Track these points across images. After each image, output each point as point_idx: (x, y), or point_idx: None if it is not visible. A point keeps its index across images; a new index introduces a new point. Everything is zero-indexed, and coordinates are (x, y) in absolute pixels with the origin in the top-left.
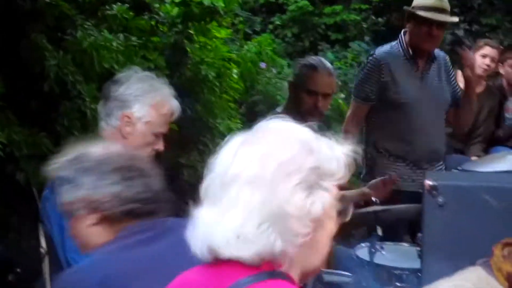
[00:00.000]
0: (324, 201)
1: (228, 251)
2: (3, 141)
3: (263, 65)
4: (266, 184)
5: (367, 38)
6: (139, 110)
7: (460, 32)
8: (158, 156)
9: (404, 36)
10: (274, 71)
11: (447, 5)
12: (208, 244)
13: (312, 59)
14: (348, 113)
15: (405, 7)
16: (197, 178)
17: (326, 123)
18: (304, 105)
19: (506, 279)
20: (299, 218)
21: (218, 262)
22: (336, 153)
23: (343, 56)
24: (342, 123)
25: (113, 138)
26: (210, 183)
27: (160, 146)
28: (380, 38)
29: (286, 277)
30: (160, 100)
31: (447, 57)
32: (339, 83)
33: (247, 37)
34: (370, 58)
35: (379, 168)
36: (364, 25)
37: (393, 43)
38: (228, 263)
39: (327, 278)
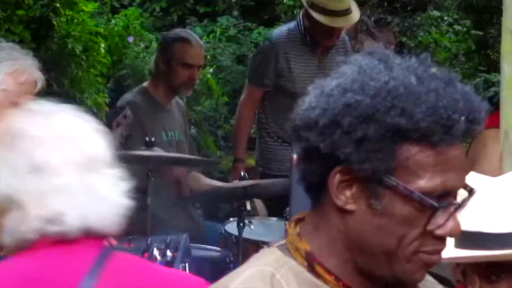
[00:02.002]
0: None
1: (101, 223)
2: None
3: (130, 39)
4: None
5: (235, 13)
6: None
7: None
8: None
9: (302, 19)
10: (142, 45)
11: (347, 4)
12: (84, 215)
13: (181, 32)
14: (243, 96)
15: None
16: None
17: (195, 97)
18: (179, 78)
19: (305, 259)
20: None
21: (60, 242)
22: None
23: (211, 30)
24: (210, 97)
25: None
26: None
27: None
28: (249, 13)
29: None
30: (18, 69)
31: (347, 40)
32: (208, 57)
33: (114, 11)
34: (266, 43)
35: (270, 151)
36: None
37: (291, 25)
38: (75, 242)
39: (195, 252)
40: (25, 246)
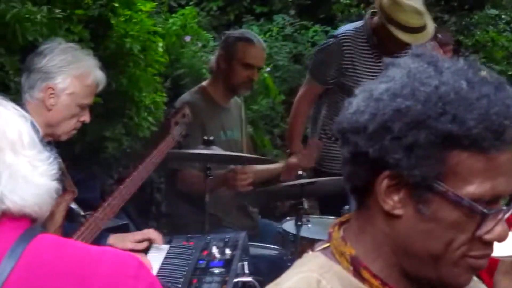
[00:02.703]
0: None
1: (17, 203)
2: None
3: (187, 38)
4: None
5: (292, 12)
6: (62, 81)
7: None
8: (82, 129)
9: (370, 20)
10: (199, 44)
11: (424, 22)
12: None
13: (245, 32)
14: (302, 91)
15: (376, 10)
16: (122, 151)
17: (252, 96)
18: (238, 78)
19: (350, 263)
20: None
21: None
22: None
23: (268, 29)
24: (267, 96)
25: (37, 110)
26: None
27: (86, 117)
28: (305, 12)
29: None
30: (84, 71)
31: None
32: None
33: (172, 10)
34: (332, 40)
35: (323, 149)
36: None
37: (358, 24)
38: None
39: (253, 251)
40: None
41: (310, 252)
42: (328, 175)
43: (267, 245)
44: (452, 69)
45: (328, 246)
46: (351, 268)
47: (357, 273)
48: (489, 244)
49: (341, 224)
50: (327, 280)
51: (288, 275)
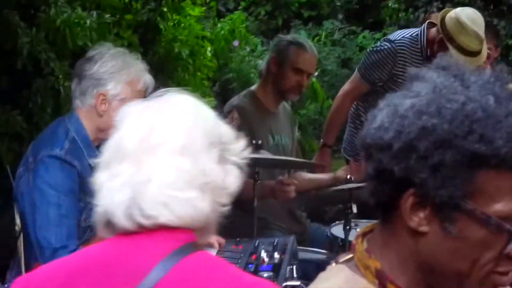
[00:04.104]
0: (236, 175)
1: (156, 217)
2: None
3: (236, 43)
4: (192, 153)
5: (340, 16)
6: (114, 88)
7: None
8: None
9: (426, 32)
10: (247, 49)
11: (481, 47)
12: (131, 209)
13: (298, 37)
14: (348, 86)
15: (434, 22)
16: None
17: (300, 101)
18: (288, 83)
19: (375, 276)
20: (221, 189)
21: (133, 232)
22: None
23: (316, 34)
24: (315, 101)
25: (88, 116)
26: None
27: None
28: (353, 16)
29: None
30: (135, 77)
31: None
32: None
33: (220, 15)
34: (388, 45)
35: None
36: (338, 3)
37: (414, 32)
38: (149, 233)
39: (301, 255)
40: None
41: (334, 264)
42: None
43: (316, 249)
44: (479, 83)
45: (352, 258)
46: (377, 281)
47: (383, 287)
48: None
49: (363, 235)
50: None
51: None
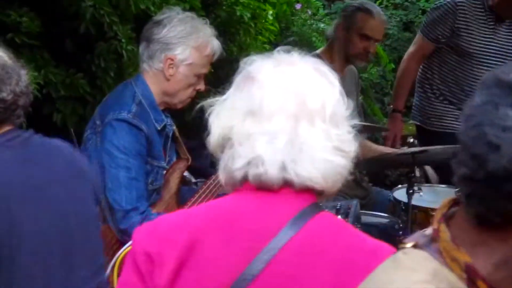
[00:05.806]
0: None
1: (308, 178)
2: (40, 82)
3: (298, 6)
4: (337, 122)
5: None
6: (182, 53)
7: None
8: (194, 97)
9: None
10: (309, 12)
11: None
12: (287, 165)
13: (366, 3)
14: (412, 48)
15: None
16: None
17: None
18: (355, 49)
19: (464, 271)
20: (353, 158)
21: (262, 189)
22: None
23: None
24: (377, 65)
25: (155, 79)
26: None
27: (201, 86)
28: None
29: None
30: (203, 42)
31: None
32: None
33: None
34: (448, 0)
35: (430, 106)
36: None
37: None
38: (276, 192)
39: (364, 219)
40: (234, 185)
41: (411, 248)
42: (434, 134)
43: (379, 213)
44: None
45: (430, 242)
46: (465, 276)
47: (472, 283)
48: None
49: (446, 218)
50: None
51: (395, 280)
